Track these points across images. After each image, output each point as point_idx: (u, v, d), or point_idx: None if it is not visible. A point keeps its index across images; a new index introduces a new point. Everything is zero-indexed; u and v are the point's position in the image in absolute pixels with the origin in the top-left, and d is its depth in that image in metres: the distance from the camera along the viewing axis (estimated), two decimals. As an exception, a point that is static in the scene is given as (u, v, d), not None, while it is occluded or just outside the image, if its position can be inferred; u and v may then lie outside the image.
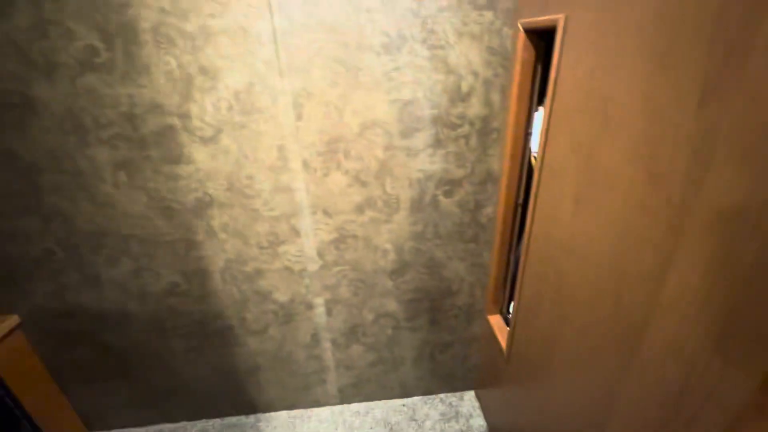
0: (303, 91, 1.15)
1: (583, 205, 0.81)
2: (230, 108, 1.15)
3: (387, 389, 1.78)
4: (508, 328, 1.41)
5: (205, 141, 1.19)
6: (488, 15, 1.11)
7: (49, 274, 1.34)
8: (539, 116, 1.22)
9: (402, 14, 1.08)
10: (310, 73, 1.13)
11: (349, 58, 1.12)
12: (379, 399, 1.81)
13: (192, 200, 1.27)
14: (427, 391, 1.82)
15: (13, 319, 1.41)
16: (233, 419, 1.76)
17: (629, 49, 0.65)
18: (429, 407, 1.77)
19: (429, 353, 1.70)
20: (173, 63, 1.09)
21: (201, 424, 1.74)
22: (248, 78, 1.12)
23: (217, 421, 1.75)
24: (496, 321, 1.53)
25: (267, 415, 1.77)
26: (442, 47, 1.13)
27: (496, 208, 1.38)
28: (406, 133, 1.24)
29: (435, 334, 1.65)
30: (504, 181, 1.29)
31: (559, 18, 0.86)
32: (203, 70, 1.10)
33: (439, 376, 1.78)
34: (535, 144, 1.23)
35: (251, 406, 1.74)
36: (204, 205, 1.28)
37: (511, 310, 1.49)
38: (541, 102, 1.22)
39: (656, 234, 0.60)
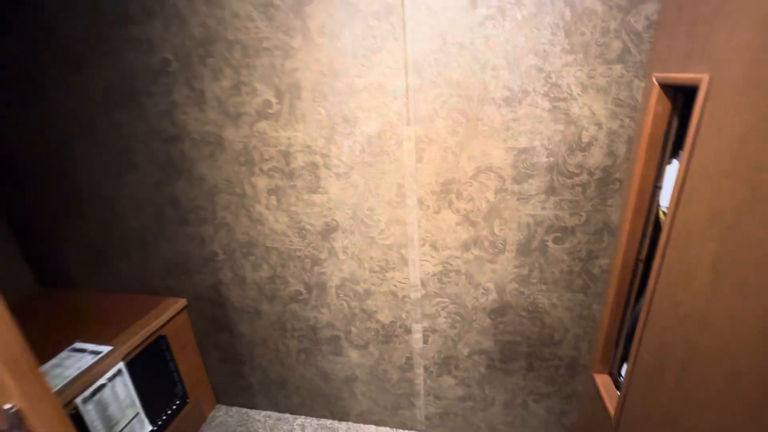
0: (425, 138, 1.29)
1: (725, 278, 0.75)
2: (362, 150, 1.35)
3: (473, 427, 1.76)
4: (618, 393, 1.30)
5: (338, 176, 1.40)
6: (617, 68, 1.11)
7: (211, 270, 1.70)
8: (671, 170, 1.14)
9: (526, 70, 1.15)
10: (433, 122, 1.26)
11: (471, 110, 1.22)
12: (465, 436, 1.79)
13: (322, 224, 1.49)
14: (517, 441, 1.74)
15: (182, 302, 1.81)
16: (327, 422, 1.93)
17: (790, 121, 0.61)
18: (517, 458, 1.69)
19: (522, 400, 1.64)
20: (323, 113, 1.33)
21: (300, 419, 1.95)
22: (380, 126, 1.30)
23: (313, 420, 1.94)
24: (603, 381, 1.41)
25: (357, 425, 1.90)
26: (564, 99, 1.16)
27: (613, 261, 1.30)
28: (519, 179, 1.28)
29: (531, 382, 1.59)
30: (624, 234, 1.22)
31: (702, 78, 0.83)
32: (345, 119, 1.32)
33: (530, 426, 1.69)
34: (665, 199, 1.15)
35: (344, 413, 1.89)
36: (330, 229, 1.49)
37: (623, 372, 1.36)
38: (674, 155, 1.14)
39: (817, 327, 0.54)
